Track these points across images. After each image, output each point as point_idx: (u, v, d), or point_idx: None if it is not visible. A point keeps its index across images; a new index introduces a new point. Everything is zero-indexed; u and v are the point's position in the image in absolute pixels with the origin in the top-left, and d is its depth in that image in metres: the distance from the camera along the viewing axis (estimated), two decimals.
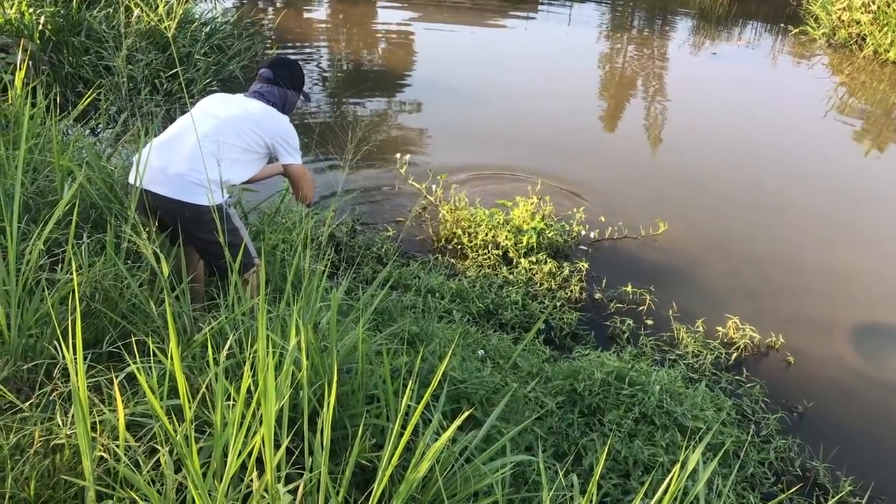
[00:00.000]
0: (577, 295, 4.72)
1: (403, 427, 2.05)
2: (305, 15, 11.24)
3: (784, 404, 3.97)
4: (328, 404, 1.91)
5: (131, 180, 3.12)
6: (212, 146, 3.11)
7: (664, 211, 5.85)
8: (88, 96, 4.58)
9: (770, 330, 4.51)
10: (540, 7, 12.93)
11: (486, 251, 5.03)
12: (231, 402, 2.05)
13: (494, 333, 4.05)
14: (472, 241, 5.10)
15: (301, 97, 3.67)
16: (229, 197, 3.24)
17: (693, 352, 4.24)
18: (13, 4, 6.57)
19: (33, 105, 4.31)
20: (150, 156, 3.10)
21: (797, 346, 4.46)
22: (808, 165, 7.19)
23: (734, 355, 4.29)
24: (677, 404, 3.38)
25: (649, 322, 4.54)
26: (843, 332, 4.69)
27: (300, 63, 3.71)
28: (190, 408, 1.91)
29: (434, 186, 5.48)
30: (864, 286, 5.24)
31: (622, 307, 4.69)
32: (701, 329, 4.46)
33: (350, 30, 10.92)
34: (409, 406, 2.24)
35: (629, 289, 4.78)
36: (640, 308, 4.69)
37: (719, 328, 4.48)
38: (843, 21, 11.03)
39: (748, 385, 4.04)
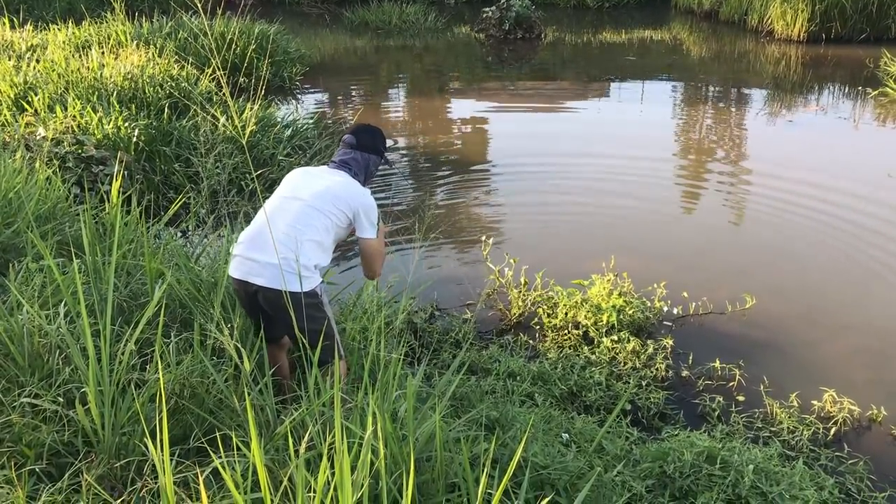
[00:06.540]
0: (664, 373, 4.60)
1: None
2: (383, 111, 11.66)
3: (893, 481, 3.74)
4: (407, 494, 1.92)
5: (231, 272, 3.30)
6: (300, 230, 3.26)
7: (750, 282, 5.70)
8: (178, 201, 4.83)
9: (871, 402, 4.29)
10: (611, 87, 13.06)
11: (566, 331, 4.99)
12: (312, 494, 2.08)
13: (579, 416, 3.98)
14: (551, 321, 5.07)
15: (383, 161, 3.81)
16: (321, 282, 3.36)
17: (788, 428, 4.06)
18: (111, 120, 7.05)
19: (128, 213, 4.58)
20: (245, 246, 3.28)
21: None
22: None
23: (833, 430, 4.08)
24: (773, 484, 3.23)
25: (740, 398, 4.39)
26: None
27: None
28: (272, 501, 1.94)
29: (507, 269, 5.48)
30: None
31: (711, 384, 4.55)
32: (795, 404, 4.27)
33: (426, 122, 11.25)
34: (489, 493, 2.22)
35: (717, 365, 4.65)
36: (730, 384, 4.54)
37: (815, 402, 4.29)
38: None
39: (850, 462, 3.82)
